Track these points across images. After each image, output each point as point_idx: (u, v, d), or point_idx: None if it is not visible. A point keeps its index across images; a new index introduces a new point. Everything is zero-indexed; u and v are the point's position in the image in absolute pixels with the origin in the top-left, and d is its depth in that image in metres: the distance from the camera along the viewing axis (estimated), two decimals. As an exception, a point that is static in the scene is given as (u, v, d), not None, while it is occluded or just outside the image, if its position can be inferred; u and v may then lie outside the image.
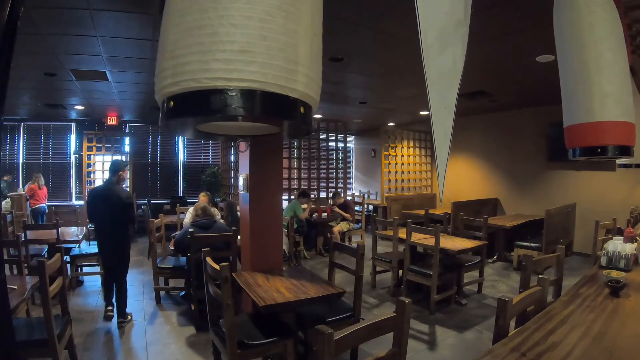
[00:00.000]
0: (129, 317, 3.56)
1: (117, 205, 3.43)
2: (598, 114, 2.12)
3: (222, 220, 4.10)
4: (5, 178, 7.43)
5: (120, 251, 3.54)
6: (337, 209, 6.58)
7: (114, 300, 3.55)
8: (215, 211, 4.54)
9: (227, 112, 1.08)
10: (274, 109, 1.15)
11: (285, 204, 6.26)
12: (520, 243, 5.47)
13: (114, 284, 3.53)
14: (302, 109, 1.21)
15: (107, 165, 7.76)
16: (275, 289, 2.37)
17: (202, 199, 5.15)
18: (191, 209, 5.16)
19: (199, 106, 1.11)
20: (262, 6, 1.09)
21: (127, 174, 3.86)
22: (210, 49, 1.07)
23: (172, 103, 1.14)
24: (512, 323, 1.65)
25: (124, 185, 3.87)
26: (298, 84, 1.16)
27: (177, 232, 4.17)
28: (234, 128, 1.58)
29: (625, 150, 2.19)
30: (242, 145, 2.20)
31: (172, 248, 4.01)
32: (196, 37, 1.09)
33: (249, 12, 1.08)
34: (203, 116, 1.21)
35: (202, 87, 1.08)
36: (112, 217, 3.44)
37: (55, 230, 4.20)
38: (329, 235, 6.21)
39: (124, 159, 8.04)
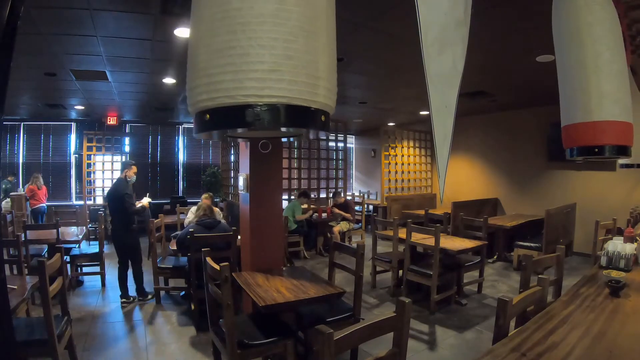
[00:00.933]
0: (150, 297, 4.03)
1: (116, 199, 3.94)
2: (596, 114, 2.12)
3: (223, 221, 4.13)
4: (9, 179, 7.44)
5: (125, 241, 3.98)
6: (337, 210, 6.58)
7: (129, 292, 4.01)
8: (218, 212, 4.57)
9: (259, 125, 1.22)
10: (299, 119, 1.30)
11: (285, 204, 6.26)
12: (520, 243, 5.48)
13: (127, 274, 3.99)
14: (322, 117, 1.35)
15: (107, 165, 7.86)
16: (275, 289, 2.37)
17: (205, 201, 5.14)
18: (193, 209, 5.16)
19: (234, 119, 1.25)
20: (286, 28, 1.21)
21: (133, 172, 4.24)
22: (241, 68, 1.20)
23: (207, 116, 1.28)
24: (512, 323, 1.65)
25: (130, 183, 4.19)
26: (319, 96, 1.30)
27: (177, 232, 4.17)
28: (257, 133, 1.79)
29: (623, 150, 2.19)
30: (263, 146, 2.35)
31: (172, 248, 4.02)
32: (227, 58, 1.21)
33: (275, 33, 1.20)
34: (238, 128, 1.36)
35: (236, 103, 1.21)
36: (113, 210, 4.04)
37: (55, 230, 4.20)
38: (329, 235, 6.22)
39: (125, 159, 8.04)
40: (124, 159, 8.01)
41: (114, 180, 4.13)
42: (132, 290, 4.05)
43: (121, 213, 3.95)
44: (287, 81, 1.21)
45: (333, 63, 1.40)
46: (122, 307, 3.88)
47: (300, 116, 1.28)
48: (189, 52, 1.36)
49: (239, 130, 1.57)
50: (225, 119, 1.26)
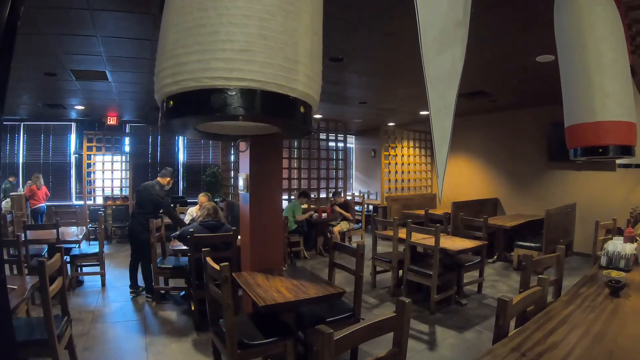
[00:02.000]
0: (153, 298, 4.05)
1: (150, 198, 4.18)
2: (599, 114, 2.12)
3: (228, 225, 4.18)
4: (10, 179, 7.44)
5: (140, 236, 4.09)
6: (337, 208, 6.57)
7: (139, 283, 4.22)
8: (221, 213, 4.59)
9: (227, 112, 1.07)
10: (273, 108, 1.15)
11: (285, 204, 6.26)
12: (520, 243, 5.47)
13: (138, 266, 4.18)
14: (302, 109, 1.21)
15: (107, 165, 7.86)
16: (275, 289, 2.37)
17: (202, 199, 5.14)
18: (194, 208, 5.16)
19: (199, 106, 1.11)
20: (262, 5, 1.09)
21: (170, 182, 4.46)
22: (210, 48, 1.06)
23: (171, 102, 1.14)
24: (512, 323, 1.65)
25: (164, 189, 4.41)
26: (298, 83, 1.16)
27: (177, 233, 4.17)
28: (234, 128, 1.56)
29: (627, 150, 2.19)
30: (242, 145, 2.19)
31: (172, 248, 4.01)
32: (196, 37, 1.08)
33: (249, 11, 1.08)
34: (203, 116, 1.20)
35: (202, 86, 1.07)
36: (142, 205, 4.21)
37: (55, 230, 4.20)
38: (329, 235, 6.21)
39: (124, 159, 8.04)
40: (124, 159, 8.01)
41: (152, 181, 4.32)
42: (141, 281, 4.22)
43: (150, 212, 4.13)
44: (260, 63, 1.08)
45: (317, 50, 1.26)
46: (131, 297, 4.14)
47: (275, 105, 1.13)
48: (159, 34, 1.22)
49: (211, 123, 1.41)
50: (190, 105, 1.12)
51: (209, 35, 1.07)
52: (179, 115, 1.18)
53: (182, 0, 1.13)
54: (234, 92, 1.07)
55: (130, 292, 4.19)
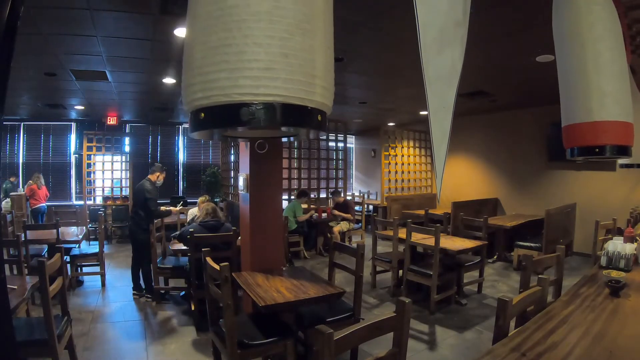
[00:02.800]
0: (153, 298, 4.05)
1: (140, 197, 4.13)
2: (596, 114, 2.12)
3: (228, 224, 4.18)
4: (11, 179, 7.44)
5: (137, 237, 4.12)
6: (337, 212, 6.57)
7: (141, 282, 4.22)
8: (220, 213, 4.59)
9: (254, 124, 1.21)
10: (295, 118, 1.29)
11: (285, 204, 6.26)
12: (520, 243, 5.48)
13: (139, 268, 4.17)
14: (319, 117, 1.34)
15: (107, 165, 7.87)
16: (275, 289, 2.37)
17: (201, 200, 5.12)
18: (195, 209, 5.15)
19: (230, 118, 1.24)
20: (282, 25, 1.21)
21: (162, 177, 4.40)
22: (237, 66, 1.19)
23: (202, 114, 1.27)
24: (512, 323, 1.65)
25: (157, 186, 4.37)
26: (315, 95, 1.29)
27: (177, 233, 4.17)
28: (256, 133, 1.78)
29: (623, 150, 2.19)
30: (259, 146, 2.34)
31: (172, 248, 4.02)
32: (222, 55, 1.20)
33: (271, 31, 1.19)
34: (234, 126, 1.35)
35: (232, 101, 1.20)
36: (136, 205, 4.22)
37: (55, 230, 4.20)
38: (329, 235, 6.21)
39: (125, 159, 8.04)
40: (124, 159, 8.01)
41: (143, 180, 4.29)
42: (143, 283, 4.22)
43: (142, 211, 4.11)
44: (283, 79, 1.20)
45: (330, 62, 1.39)
46: (134, 299, 4.13)
47: (296, 115, 1.28)
48: (184, 50, 1.35)
49: (236, 129, 1.55)
50: (220, 118, 1.26)
51: (235, 54, 1.19)
52: (211, 126, 1.32)
53: (206, 20, 1.23)
54: (261, 106, 1.20)
55: (134, 295, 4.19)
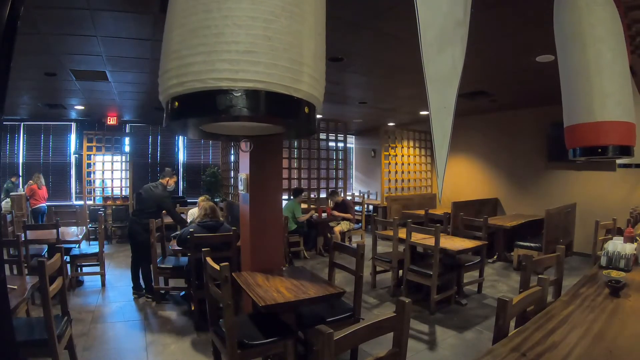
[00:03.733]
0: (153, 298, 4.05)
1: (154, 199, 4.20)
2: (598, 114, 2.12)
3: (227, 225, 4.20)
4: (12, 179, 7.43)
5: (138, 237, 4.11)
6: (336, 213, 6.57)
7: (141, 282, 4.22)
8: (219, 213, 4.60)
9: (232, 113, 1.08)
10: (278, 109, 1.16)
11: (285, 204, 6.26)
12: (520, 243, 5.47)
13: (139, 268, 4.17)
14: (306, 109, 1.21)
15: (107, 165, 7.86)
16: (275, 289, 2.37)
17: (201, 199, 5.13)
18: (192, 211, 5.16)
19: (204, 107, 1.12)
20: (266, 7, 1.10)
21: (173, 181, 4.50)
22: (215, 49, 1.07)
23: (176, 104, 1.14)
24: (512, 323, 1.65)
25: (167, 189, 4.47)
26: (302, 84, 1.17)
27: (177, 232, 4.19)
28: (237, 128, 1.57)
29: (626, 150, 2.19)
30: (244, 145, 2.19)
31: (173, 248, 4.01)
32: (201, 38, 1.09)
33: (254, 12, 1.09)
34: (209, 116, 1.21)
35: (207, 87, 1.08)
36: (145, 207, 4.23)
37: (55, 230, 4.20)
38: (329, 235, 6.21)
39: (125, 159, 8.04)
40: (124, 159, 8.01)
41: (155, 183, 4.37)
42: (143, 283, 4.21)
43: (151, 213, 4.13)
44: (265, 64, 1.09)
45: (321, 51, 1.28)
46: (134, 299, 4.12)
47: (280, 105, 1.14)
48: (163, 35, 1.23)
49: (216, 124, 1.41)
50: (195, 106, 1.12)
51: (214, 36, 1.08)
52: (185, 116, 1.19)
53: (187, 1, 1.13)
54: (240, 93, 1.08)
55: (133, 294, 4.18)
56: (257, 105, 1.10)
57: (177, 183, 9.21)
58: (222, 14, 1.07)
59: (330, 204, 7.11)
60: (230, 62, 1.07)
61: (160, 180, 4.41)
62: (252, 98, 1.09)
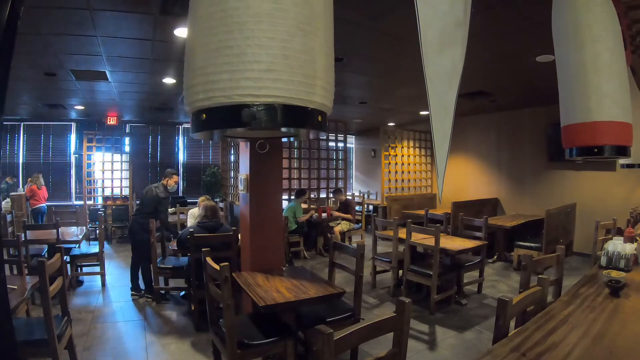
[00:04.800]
0: (153, 298, 4.04)
1: (152, 200, 4.17)
2: (595, 114, 2.12)
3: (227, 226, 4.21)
4: (7, 179, 7.44)
5: (137, 237, 4.12)
6: (337, 213, 6.57)
7: (139, 283, 4.20)
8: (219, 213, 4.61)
9: (255, 125, 1.22)
10: (295, 119, 1.30)
11: (285, 204, 6.26)
12: (520, 243, 5.47)
13: (139, 268, 4.17)
14: (319, 117, 1.34)
15: (107, 165, 7.86)
16: (275, 289, 2.37)
17: (202, 199, 5.13)
18: (192, 211, 5.16)
19: (230, 119, 1.25)
20: (283, 27, 1.21)
21: (174, 181, 4.42)
22: (238, 68, 1.20)
23: (204, 115, 1.28)
24: (512, 323, 1.65)
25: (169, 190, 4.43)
26: (316, 96, 1.30)
27: (178, 232, 4.19)
28: (256, 133, 1.79)
29: (622, 151, 2.19)
30: (260, 146, 2.34)
31: (173, 248, 4.01)
32: (224, 57, 1.21)
33: (272, 33, 1.20)
34: (233, 127, 1.36)
35: (233, 102, 1.21)
36: (144, 206, 4.23)
37: (55, 230, 4.20)
38: (329, 235, 6.21)
39: (125, 159, 8.04)
40: (124, 159, 8.01)
41: (157, 183, 4.38)
42: (142, 284, 4.19)
43: (150, 213, 4.12)
44: (284, 81, 1.21)
45: (330, 63, 1.40)
46: (132, 300, 4.10)
47: (297, 116, 1.29)
48: (186, 51, 1.36)
49: (237, 130, 1.56)
50: (222, 119, 1.27)
51: (236, 56, 1.20)
52: (213, 127, 1.33)
53: (208, 21, 1.24)
54: (262, 108, 1.21)
55: (132, 295, 4.17)
56: (276, 117, 1.24)
57: (178, 182, 9.24)
58: (243, 35, 1.19)
59: (331, 203, 7.11)
60: (253, 80, 1.20)
61: (161, 181, 4.39)
62: (272, 111, 1.23)
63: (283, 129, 1.52)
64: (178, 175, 4.53)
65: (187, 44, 1.35)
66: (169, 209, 5.44)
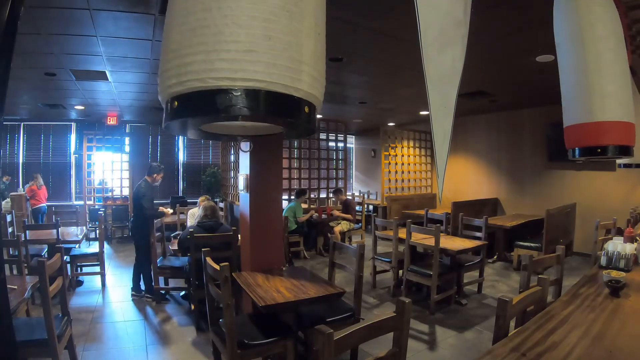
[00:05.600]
0: (153, 298, 4.03)
1: (137, 198, 4.11)
2: (598, 114, 2.12)
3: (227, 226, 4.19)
4: (4, 179, 7.43)
5: (137, 237, 4.13)
6: (337, 213, 6.57)
7: (141, 284, 4.19)
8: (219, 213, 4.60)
9: (232, 112, 1.08)
10: (278, 108, 1.15)
11: (285, 204, 6.26)
12: (520, 243, 5.47)
13: (139, 271, 4.15)
14: (306, 109, 1.21)
15: (107, 165, 7.86)
16: (275, 289, 2.37)
17: (202, 199, 5.13)
18: (192, 211, 5.16)
19: (204, 106, 1.11)
20: (266, 6, 1.09)
21: (160, 176, 4.35)
22: (214, 48, 1.07)
23: (176, 103, 1.14)
24: (512, 323, 1.65)
25: (155, 186, 4.37)
26: (302, 83, 1.16)
27: (178, 232, 4.19)
28: (237, 128, 1.56)
29: (625, 150, 2.19)
30: (243, 145, 2.18)
31: (173, 248, 4.02)
32: (200, 37, 1.09)
33: (253, 12, 1.08)
34: (208, 116, 1.20)
35: (207, 87, 1.08)
36: (134, 207, 4.19)
37: (55, 230, 4.20)
38: (329, 235, 6.21)
39: (124, 158, 8.03)
40: (124, 159, 8.01)
41: (140, 181, 4.27)
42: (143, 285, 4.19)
43: (138, 211, 4.10)
44: (265, 64, 1.09)
45: (321, 50, 1.27)
46: (132, 300, 4.09)
47: (280, 105, 1.14)
48: (163, 34, 1.23)
49: (215, 124, 1.40)
50: (195, 106, 1.12)
51: (213, 35, 1.07)
52: (184, 116, 1.17)
53: (186, 0, 1.13)
54: (239, 93, 1.07)
55: (132, 295, 4.16)
56: (257, 104, 1.10)
57: (176, 183, 9.24)
58: (221, 13, 1.06)
59: (331, 203, 7.10)
60: (229, 62, 1.06)
61: (145, 176, 4.24)
62: (251, 97, 1.08)
63: (267, 124, 1.39)
64: (163, 172, 4.39)
65: (165, 27, 1.22)
66: (169, 210, 5.42)
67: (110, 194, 7.92)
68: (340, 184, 7.79)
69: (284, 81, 1.11)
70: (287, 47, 1.12)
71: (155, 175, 4.25)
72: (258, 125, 1.49)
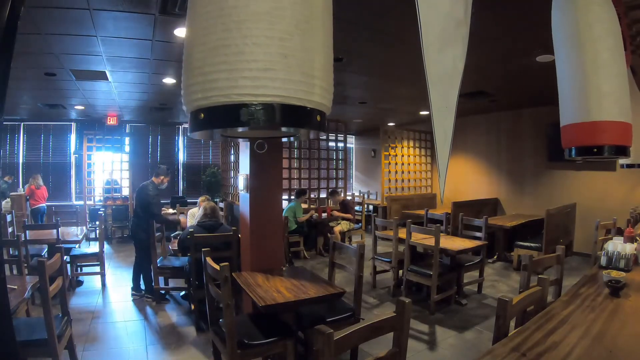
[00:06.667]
0: (153, 298, 4.03)
1: (143, 199, 4.10)
2: (595, 114, 2.12)
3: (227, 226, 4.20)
4: (6, 179, 7.43)
5: (138, 237, 4.11)
6: (336, 213, 6.57)
7: (141, 284, 4.19)
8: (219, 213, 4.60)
9: (253, 124, 1.23)
10: (294, 119, 1.30)
11: (285, 204, 6.26)
12: (520, 243, 5.47)
13: (139, 271, 4.15)
14: (318, 117, 1.34)
15: (107, 166, 7.86)
16: (275, 289, 2.37)
17: (202, 199, 5.13)
18: (192, 211, 5.16)
19: (228, 118, 1.25)
20: (282, 25, 1.21)
21: (167, 180, 4.36)
22: (236, 67, 1.20)
23: (202, 115, 1.28)
24: (512, 323, 1.65)
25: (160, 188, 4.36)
26: (314, 95, 1.29)
27: (178, 232, 4.19)
28: (255, 132, 1.81)
29: (622, 150, 2.19)
30: (259, 146, 2.35)
31: (173, 248, 4.02)
32: (222, 56, 1.21)
33: (270, 32, 1.19)
34: (232, 127, 1.38)
35: (231, 102, 1.21)
36: (138, 206, 4.17)
37: (55, 230, 4.20)
38: (329, 235, 6.21)
39: (124, 158, 8.03)
40: (124, 159, 8.01)
41: (146, 181, 4.28)
42: (143, 284, 4.18)
43: (143, 212, 4.07)
44: (282, 80, 1.21)
45: (329, 62, 1.39)
46: (132, 299, 4.09)
47: (295, 116, 1.28)
48: (184, 50, 1.37)
49: (236, 129, 1.56)
50: (220, 118, 1.27)
51: (234, 55, 1.19)
52: (211, 127, 1.33)
53: (206, 20, 1.24)
54: (260, 107, 1.21)
55: (132, 295, 4.16)
56: (274, 116, 1.24)
57: (176, 183, 9.24)
58: (241, 34, 1.18)
59: (331, 203, 7.10)
60: (251, 79, 1.19)
61: (152, 178, 4.25)
62: (270, 110, 1.22)
63: (282, 129, 1.52)
64: (178, 175, 4.45)
65: (186, 43, 1.35)
66: (170, 210, 5.44)
67: (119, 193, 7.88)
68: (340, 184, 7.78)
69: (298, 95, 1.24)
70: (301, 64, 1.25)
71: (162, 177, 4.26)
72: (273, 130, 1.66)
